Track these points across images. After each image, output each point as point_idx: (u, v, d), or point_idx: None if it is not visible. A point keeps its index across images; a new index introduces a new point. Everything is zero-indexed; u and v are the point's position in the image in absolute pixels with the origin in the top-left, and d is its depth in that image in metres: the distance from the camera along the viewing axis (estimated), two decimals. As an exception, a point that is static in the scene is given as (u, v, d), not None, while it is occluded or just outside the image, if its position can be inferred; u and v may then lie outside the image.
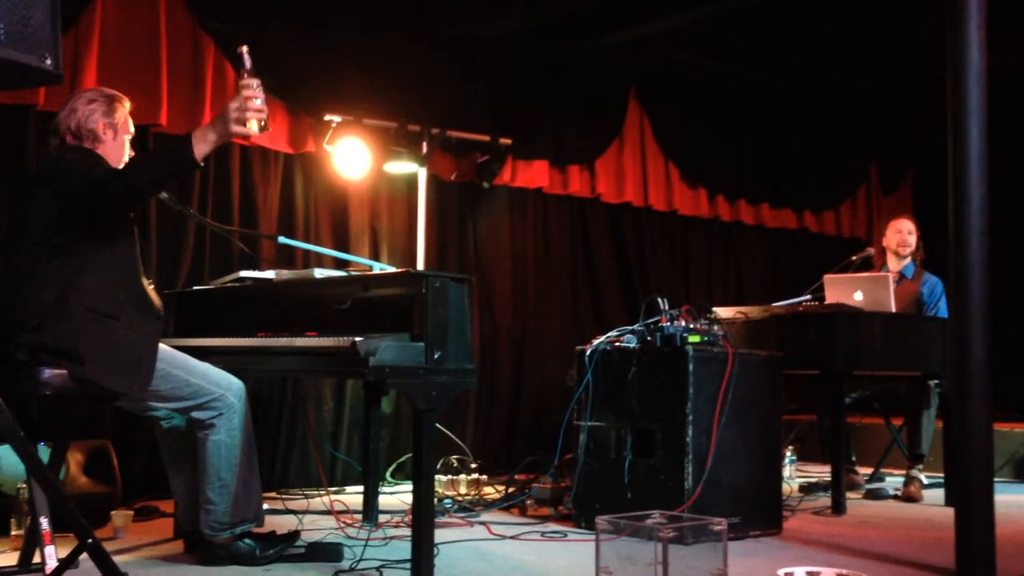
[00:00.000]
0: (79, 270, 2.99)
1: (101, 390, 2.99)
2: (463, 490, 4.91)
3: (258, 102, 2.82)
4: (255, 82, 2.84)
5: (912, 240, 5.47)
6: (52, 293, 2.96)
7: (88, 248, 3.02)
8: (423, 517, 2.99)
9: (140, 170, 2.99)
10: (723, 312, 4.64)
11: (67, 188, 3.00)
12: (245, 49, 2.95)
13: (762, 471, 4.04)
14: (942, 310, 5.35)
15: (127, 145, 3.29)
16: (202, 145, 2.83)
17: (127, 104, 3.31)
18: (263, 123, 2.84)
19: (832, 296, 5.04)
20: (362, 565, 3.22)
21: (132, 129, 3.33)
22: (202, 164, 2.88)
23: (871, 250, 5.53)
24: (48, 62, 2.04)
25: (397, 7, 5.60)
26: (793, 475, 5.48)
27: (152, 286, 3.21)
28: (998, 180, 3.21)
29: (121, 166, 3.21)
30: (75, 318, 2.95)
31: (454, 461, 5.14)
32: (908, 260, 5.49)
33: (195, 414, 3.23)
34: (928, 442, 5.14)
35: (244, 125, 2.80)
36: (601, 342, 4.11)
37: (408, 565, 3.06)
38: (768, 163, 7.66)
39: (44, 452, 3.41)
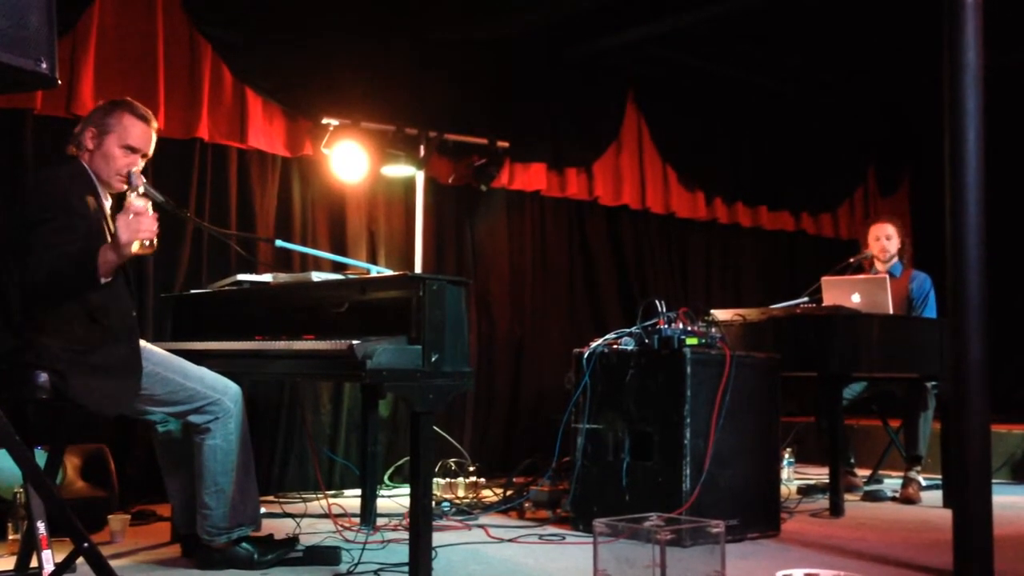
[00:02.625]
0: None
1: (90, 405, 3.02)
2: (461, 493, 4.90)
3: (146, 222, 2.93)
4: (144, 203, 2.99)
5: (892, 245, 5.46)
6: (29, 319, 2.98)
7: None
8: (421, 520, 2.99)
9: (44, 273, 2.95)
10: (721, 314, 4.64)
11: (23, 223, 3.01)
12: (137, 171, 3.15)
13: (760, 473, 4.04)
14: (930, 306, 5.37)
15: (120, 156, 3.17)
16: (104, 266, 2.92)
17: (132, 116, 3.20)
18: (148, 243, 2.97)
19: (830, 298, 5.05)
20: (360, 569, 3.22)
21: (135, 143, 3.19)
22: (105, 281, 2.94)
23: (868, 251, 5.53)
24: (44, 66, 2.03)
25: (394, 10, 5.60)
26: (791, 477, 5.48)
27: (129, 293, 3.19)
28: (995, 181, 3.21)
29: (112, 179, 3.18)
30: (52, 347, 2.97)
31: (452, 464, 5.12)
32: (894, 260, 5.49)
33: (191, 418, 3.22)
34: (926, 444, 5.14)
35: (130, 246, 2.90)
36: (599, 344, 4.11)
37: (406, 568, 3.05)
38: (766, 165, 7.66)
39: (41, 456, 3.40)
